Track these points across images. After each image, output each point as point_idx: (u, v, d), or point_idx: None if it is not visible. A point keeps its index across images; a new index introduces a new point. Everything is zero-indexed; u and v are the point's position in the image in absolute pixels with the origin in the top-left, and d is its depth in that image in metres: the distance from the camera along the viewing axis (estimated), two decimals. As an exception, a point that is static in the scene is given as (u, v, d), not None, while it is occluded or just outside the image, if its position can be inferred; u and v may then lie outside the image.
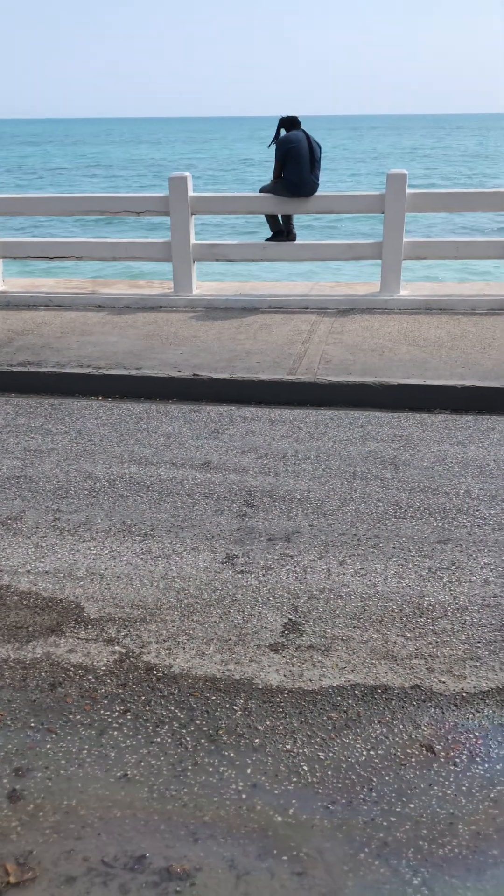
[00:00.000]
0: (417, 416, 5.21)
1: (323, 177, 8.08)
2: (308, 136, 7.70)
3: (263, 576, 3.37)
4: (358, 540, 3.64)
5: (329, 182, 33.79)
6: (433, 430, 4.95)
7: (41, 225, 22.60)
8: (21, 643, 2.98)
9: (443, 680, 2.74)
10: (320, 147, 7.80)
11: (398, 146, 76.98)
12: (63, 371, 5.86)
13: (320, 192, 7.82)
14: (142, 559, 3.52)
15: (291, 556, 3.51)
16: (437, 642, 2.93)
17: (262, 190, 7.97)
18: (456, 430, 4.94)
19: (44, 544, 3.67)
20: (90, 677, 2.78)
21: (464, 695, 2.67)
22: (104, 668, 2.83)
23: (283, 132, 7.79)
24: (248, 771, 2.36)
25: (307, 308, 7.74)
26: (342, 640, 2.95)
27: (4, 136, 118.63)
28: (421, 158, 55.67)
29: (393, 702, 2.63)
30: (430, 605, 3.16)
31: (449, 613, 3.10)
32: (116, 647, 2.94)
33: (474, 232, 21.58)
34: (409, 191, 7.47)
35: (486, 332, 6.65)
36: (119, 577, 3.39)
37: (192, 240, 7.98)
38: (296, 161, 7.55)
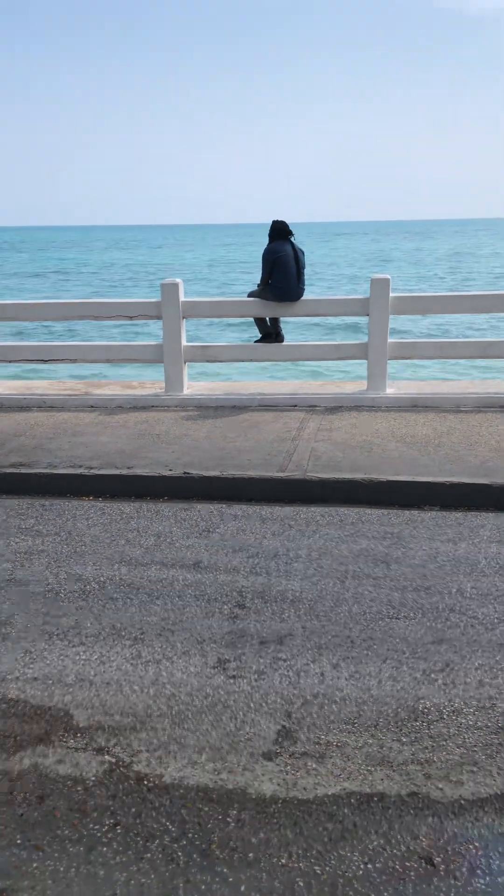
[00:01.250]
0: (407, 512, 5.24)
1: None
2: (294, 246, 7.99)
3: (256, 681, 3.32)
4: (352, 642, 3.60)
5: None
6: (424, 527, 4.96)
7: (34, 326, 23.03)
8: (8, 754, 2.90)
9: (440, 787, 2.67)
10: (304, 253, 8.09)
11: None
12: (55, 472, 5.89)
13: (306, 296, 8.06)
14: (132, 664, 3.47)
15: (284, 660, 3.47)
16: (433, 747, 2.88)
17: (251, 295, 8.21)
18: (446, 527, 4.96)
19: (33, 649, 3.62)
20: (79, 789, 2.71)
21: (462, 802, 2.60)
22: (94, 778, 2.75)
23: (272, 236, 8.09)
24: (243, 888, 2.28)
25: (296, 406, 7.86)
26: (337, 746, 2.89)
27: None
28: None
29: (390, 811, 2.57)
30: (426, 708, 3.11)
31: (444, 717, 3.05)
32: (106, 757, 2.87)
33: (468, 328, 22.12)
34: (392, 294, 7.70)
35: (472, 430, 6.75)
36: (109, 684, 3.33)
37: (184, 342, 8.16)
38: (283, 270, 7.82)
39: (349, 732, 2.97)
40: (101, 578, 4.32)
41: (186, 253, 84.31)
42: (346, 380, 12.04)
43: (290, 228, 8.04)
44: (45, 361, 8.59)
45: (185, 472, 5.77)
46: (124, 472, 5.85)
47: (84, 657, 3.54)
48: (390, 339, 7.86)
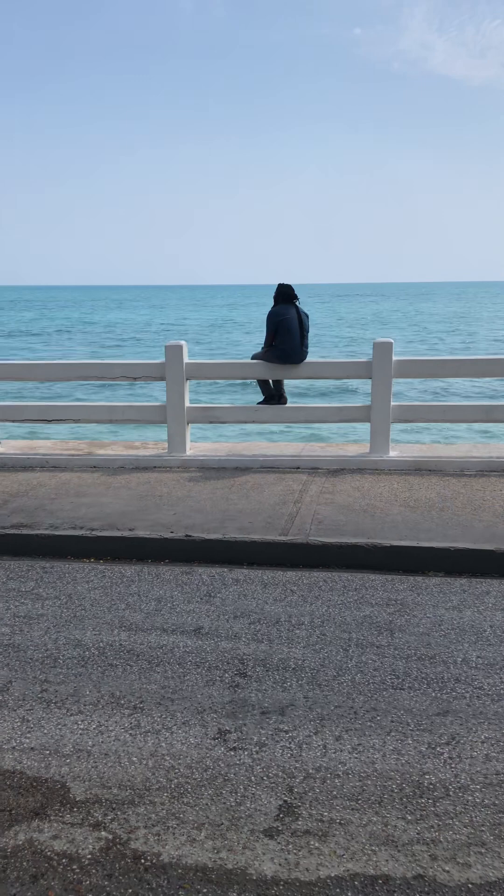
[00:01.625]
0: (411, 578, 5.19)
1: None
2: (298, 309, 8.09)
3: (257, 753, 3.24)
4: (355, 713, 3.53)
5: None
6: (428, 593, 4.91)
7: (37, 385, 23.21)
8: (3, 828, 2.82)
9: (447, 869, 2.59)
10: (308, 317, 8.19)
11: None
12: (56, 533, 5.86)
13: (310, 358, 8.13)
14: (130, 734, 3.40)
15: (286, 731, 3.39)
16: (439, 826, 2.79)
17: (254, 357, 8.28)
18: (451, 593, 4.91)
19: (30, 718, 3.55)
20: (75, 867, 2.62)
21: (469, 886, 2.52)
22: (90, 856, 2.67)
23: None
24: None
25: (298, 468, 7.86)
26: (340, 823, 2.81)
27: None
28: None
29: (395, 894, 2.48)
30: (431, 783, 3.03)
31: (450, 793, 2.97)
32: (103, 833, 2.79)
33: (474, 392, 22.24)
34: (394, 358, 7.77)
35: (476, 494, 6.73)
36: (107, 755, 3.25)
37: (187, 403, 8.20)
38: (286, 333, 7.91)
39: (353, 809, 2.89)
40: (101, 644, 4.26)
41: (191, 313, 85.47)
42: (350, 441, 12.07)
43: (296, 292, 8.16)
44: (48, 421, 8.63)
45: (186, 535, 5.74)
46: (126, 534, 5.82)
47: (82, 726, 3.47)
48: (393, 402, 7.90)
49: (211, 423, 8.55)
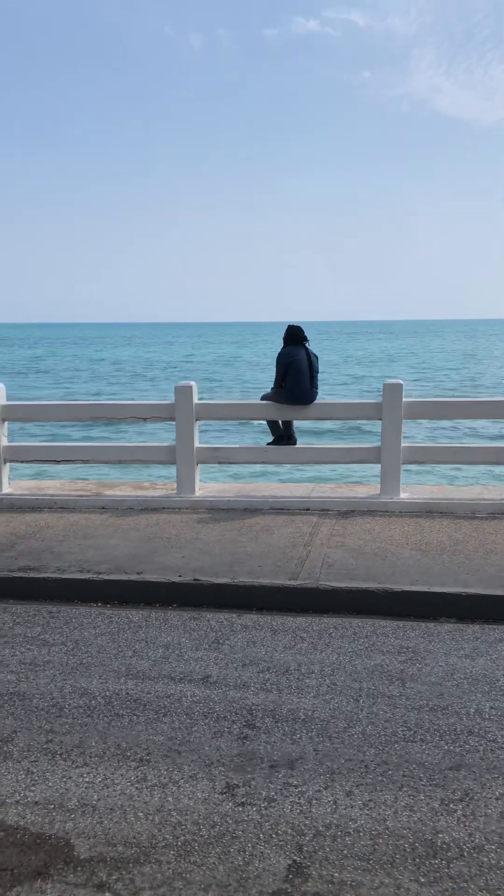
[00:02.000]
0: (423, 625, 5.11)
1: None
2: (308, 350, 8.11)
3: (266, 809, 3.16)
4: (366, 767, 3.45)
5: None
6: (440, 640, 4.83)
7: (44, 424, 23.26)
8: (4, 889, 2.75)
9: (462, 936, 2.50)
10: (318, 358, 8.21)
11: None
12: (63, 576, 5.82)
13: (319, 399, 8.13)
14: (136, 788, 3.32)
15: (295, 786, 3.31)
16: (453, 889, 2.70)
17: (264, 397, 8.28)
18: (463, 641, 4.83)
19: (35, 770, 3.48)
20: (77, 932, 2.54)
21: None
22: (92, 920, 2.59)
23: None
24: None
25: (308, 510, 7.81)
26: (351, 885, 2.72)
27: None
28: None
29: None
30: (445, 843, 2.94)
31: (465, 854, 2.88)
32: (107, 894, 2.71)
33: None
34: (405, 399, 7.75)
35: (488, 537, 6.66)
36: (112, 810, 3.18)
37: (197, 443, 8.19)
38: (296, 374, 7.92)
39: (364, 870, 2.80)
40: (108, 693, 4.19)
41: (200, 350, 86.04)
42: (358, 481, 12.02)
43: (305, 333, 8.18)
44: (57, 462, 8.63)
45: (195, 579, 5.69)
46: (133, 577, 5.78)
47: (88, 779, 3.40)
48: (403, 444, 7.87)
49: (220, 463, 8.53)
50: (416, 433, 21.34)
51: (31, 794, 3.31)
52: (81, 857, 2.90)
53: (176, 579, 5.71)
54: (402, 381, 7.83)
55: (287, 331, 8.24)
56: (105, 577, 5.81)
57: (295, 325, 8.22)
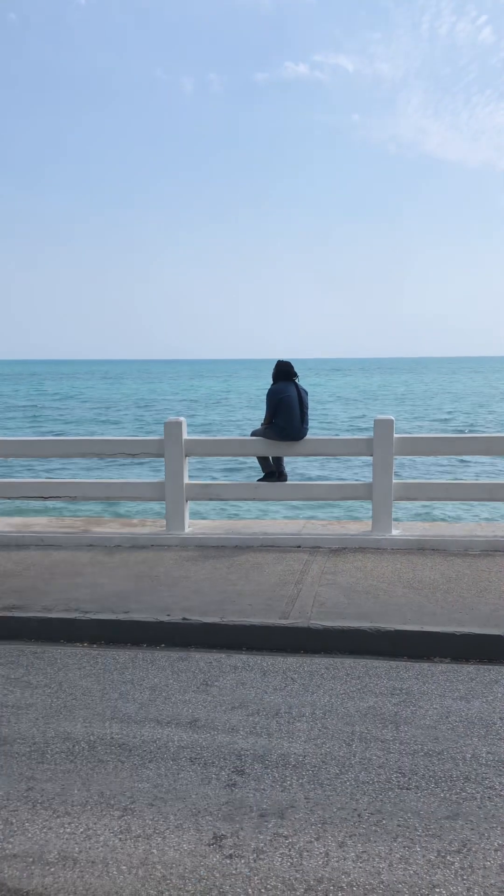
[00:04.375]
0: (417, 665, 4.99)
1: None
2: (298, 387, 8.07)
3: (254, 861, 3.02)
4: (359, 816, 3.31)
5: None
6: (434, 682, 4.71)
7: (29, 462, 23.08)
8: None
9: None
10: (308, 394, 8.16)
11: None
12: (48, 616, 5.68)
13: (310, 435, 8.07)
14: (120, 839, 3.18)
15: (286, 837, 3.17)
16: None
17: (254, 433, 8.21)
18: (458, 682, 4.70)
19: (14, 820, 3.33)
20: None
21: None
22: None
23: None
24: None
25: (299, 547, 7.70)
26: (344, 945, 2.59)
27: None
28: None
29: None
30: (442, 898, 2.81)
31: (464, 909, 2.75)
32: None
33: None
34: (396, 435, 7.69)
35: (482, 575, 6.56)
36: (94, 863, 3.03)
37: (186, 480, 8.10)
38: (286, 410, 7.87)
39: (358, 928, 2.66)
40: (91, 738, 4.05)
41: (192, 382, 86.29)
42: (351, 519, 11.93)
43: (295, 369, 8.14)
44: (45, 499, 8.51)
45: (183, 618, 5.56)
46: (121, 616, 5.64)
47: (69, 830, 3.26)
48: (395, 480, 7.79)
49: (210, 499, 8.44)
50: (435, 470, 21.30)
51: (10, 846, 3.16)
52: (60, 915, 2.75)
53: (164, 619, 5.58)
54: (392, 418, 7.78)
55: (276, 367, 8.20)
56: (91, 616, 5.67)
57: (284, 360, 8.18)
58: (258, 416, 35.83)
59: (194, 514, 9.04)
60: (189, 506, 8.23)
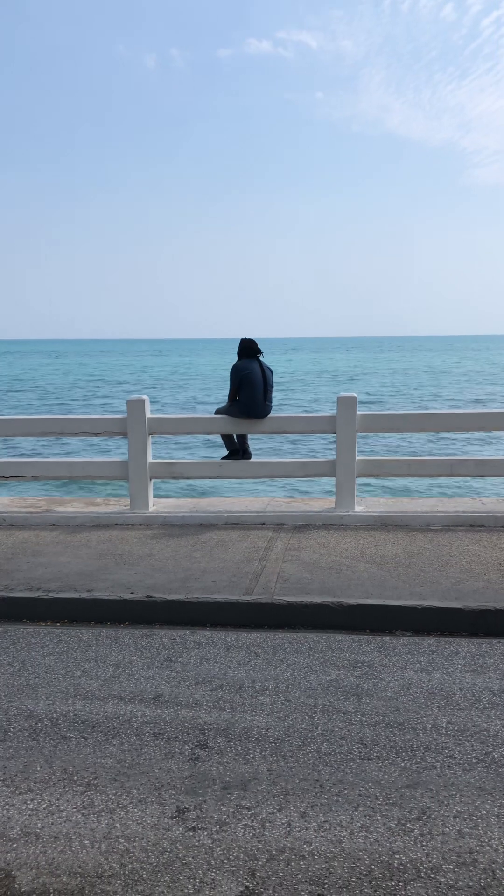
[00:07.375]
0: (378, 638, 5.04)
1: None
2: (262, 364, 8.05)
3: (217, 833, 3.04)
4: (321, 786, 3.35)
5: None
6: (395, 654, 4.76)
7: None
8: None
9: None
10: (272, 372, 8.15)
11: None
12: (11, 595, 5.64)
13: (274, 413, 8.06)
14: (83, 815, 3.18)
15: (248, 808, 3.20)
16: (411, 912, 2.61)
17: (218, 411, 8.19)
18: (419, 654, 4.76)
19: (-25, 798, 3.32)
20: None
21: None
22: None
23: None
24: None
25: (264, 524, 7.72)
26: (306, 911, 2.62)
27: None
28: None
29: None
30: (401, 864, 2.85)
31: (422, 874, 2.79)
32: (49, 929, 2.57)
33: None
34: (359, 412, 7.72)
35: (443, 549, 6.63)
36: (57, 838, 3.03)
37: (150, 458, 8.06)
38: (250, 387, 7.85)
39: (319, 895, 2.70)
40: (54, 715, 4.04)
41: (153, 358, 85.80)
42: (315, 496, 11.98)
43: (259, 347, 8.11)
44: (6, 478, 8.42)
45: (147, 596, 5.55)
46: (84, 595, 5.62)
47: (31, 806, 3.25)
48: (358, 457, 7.83)
49: (174, 478, 8.42)
50: (419, 446, 21.46)
51: (-29, 823, 3.15)
52: (23, 890, 2.75)
53: (128, 596, 5.57)
54: (355, 395, 7.80)
55: (241, 344, 8.16)
56: (54, 595, 5.64)
57: (248, 338, 8.14)
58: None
59: (178, 492, 8.99)
60: (153, 484, 8.20)
